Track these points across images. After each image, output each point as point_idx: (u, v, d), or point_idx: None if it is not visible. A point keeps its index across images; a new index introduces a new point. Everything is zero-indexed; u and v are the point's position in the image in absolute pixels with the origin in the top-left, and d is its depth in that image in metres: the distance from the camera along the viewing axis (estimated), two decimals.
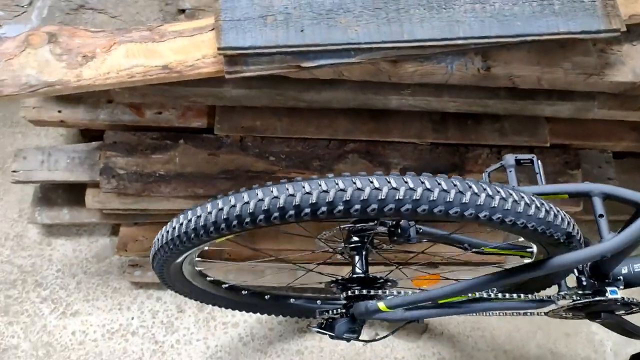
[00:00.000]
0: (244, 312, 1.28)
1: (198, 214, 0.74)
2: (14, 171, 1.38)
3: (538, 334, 1.41)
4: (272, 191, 0.69)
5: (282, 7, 1.07)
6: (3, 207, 1.52)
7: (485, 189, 0.69)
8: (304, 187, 0.68)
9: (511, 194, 0.71)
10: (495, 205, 0.69)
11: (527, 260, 1.05)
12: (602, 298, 0.97)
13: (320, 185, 0.67)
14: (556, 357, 1.39)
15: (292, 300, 1.32)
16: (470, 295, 0.96)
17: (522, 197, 0.71)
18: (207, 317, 1.40)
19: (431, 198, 0.66)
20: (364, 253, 1.02)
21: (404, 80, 1.18)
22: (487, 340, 1.40)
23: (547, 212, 0.73)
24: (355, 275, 0.99)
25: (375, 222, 0.97)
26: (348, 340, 1.05)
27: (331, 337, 1.04)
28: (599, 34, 1.10)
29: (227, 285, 1.18)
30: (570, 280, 1.00)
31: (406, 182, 0.67)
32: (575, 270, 1.01)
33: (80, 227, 1.50)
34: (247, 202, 0.69)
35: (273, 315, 1.40)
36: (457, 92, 1.26)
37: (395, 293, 0.97)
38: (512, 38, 1.09)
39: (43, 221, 1.44)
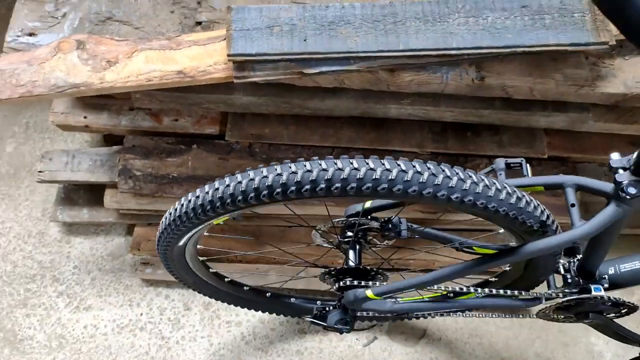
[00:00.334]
0: (244, 308, 1.33)
1: (206, 190, 0.81)
2: (39, 171, 1.49)
3: (536, 343, 1.42)
4: (275, 169, 0.75)
5: (287, 19, 1.16)
6: (28, 206, 1.62)
7: (457, 173, 0.75)
8: (305, 165, 0.74)
9: (483, 179, 0.76)
10: (467, 188, 0.74)
11: (506, 267, 1.09)
12: (587, 295, 0.99)
13: (320, 164, 0.74)
14: None
15: (292, 300, 1.37)
16: (459, 289, 0.99)
17: (494, 183, 0.77)
18: (212, 316, 1.46)
19: (405, 179, 0.72)
20: (357, 247, 1.07)
21: (402, 89, 1.25)
22: (484, 347, 1.41)
23: (518, 199, 0.78)
24: (346, 267, 1.04)
25: (369, 217, 1.03)
26: (340, 331, 1.09)
27: (324, 327, 1.08)
28: (588, 46, 1.16)
29: (229, 279, 1.24)
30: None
31: (382, 164, 0.73)
32: (562, 269, 1.04)
33: (98, 227, 1.59)
34: (252, 179, 0.76)
35: (274, 316, 1.45)
36: (454, 102, 1.32)
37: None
38: (503, 49, 1.15)
39: (64, 220, 1.53)
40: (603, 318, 1.10)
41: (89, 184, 1.49)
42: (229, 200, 0.78)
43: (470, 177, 0.75)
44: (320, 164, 0.75)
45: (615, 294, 1.04)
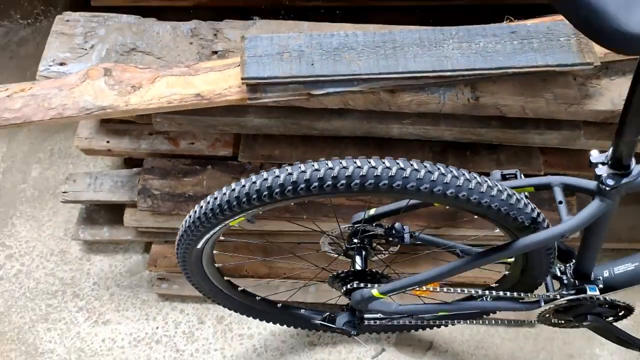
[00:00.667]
0: (255, 319, 1.38)
1: (223, 192, 0.89)
2: (64, 192, 1.58)
3: (541, 354, 1.45)
4: (287, 169, 0.84)
5: (296, 46, 1.27)
6: (51, 226, 1.71)
7: (452, 171, 0.83)
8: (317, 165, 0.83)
9: (475, 177, 0.84)
10: (461, 185, 0.82)
11: (505, 272, 1.15)
12: (582, 295, 1.04)
13: (327, 164, 0.83)
14: None
15: (302, 311, 1.43)
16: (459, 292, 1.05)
17: (486, 181, 0.84)
18: (225, 329, 1.51)
19: (404, 175, 0.80)
20: (363, 253, 1.14)
21: (403, 110, 1.34)
22: (490, 359, 1.45)
23: (509, 196, 0.86)
24: (353, 270, 1.11)
25: (374, 224, 1.10)
26: (349, 334, 1.14)
27: (332, 330, 1.14)
28: (574, 67, 1.25)
29: (241, 288, 1.31)
30: None
31: (383, 163, 0.81)
32: (558, 272, 1.10)
33: (117, 245, 1.66)
34: (266, 179, 0.85)
35: (285, 328, 1.50)
36: (452, 122, 1.41)
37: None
38: (494, 70, 1.24)
39: (85, 238, 1.62)
40: (602, 321, 1.15)
41: (110, 203, 1.58)
42: (244, 200, 0.86)
43: (464, 174, 0.83)
44: (327, 164, 0.83)
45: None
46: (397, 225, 1.11)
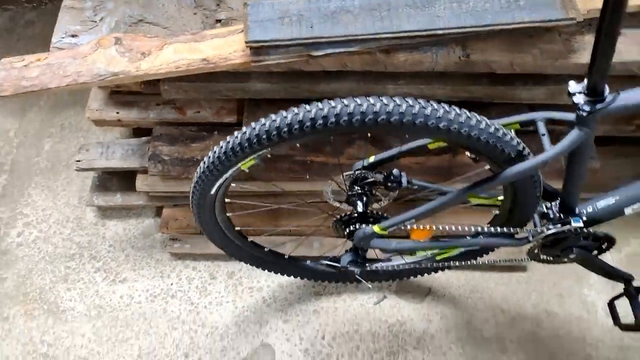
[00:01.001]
0: (263, 269, 1.48)
1: (235, 135, 0.98)
2: (77, 160, 1.66)
3: (533, 295, 1.55)
4: (293, 110, 0.93)
5: (296, 11, 1.35)
6: (66, 195, 1.79)
7: (444, 107, 0.91)
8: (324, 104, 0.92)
9: (465, 112, 0.93)
10: (452, 118, 0.91)
11: (496, 212, 1.24)
12: (567, 227, 1.13)
13: (330, 103, 0.92)
14: (551, 316, 1.52)
15: (308, 262, 1.52)
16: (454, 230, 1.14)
17: (475, 115, 0.93)
18: (236, 283, 1.61)
19: (401, 110, 0.89)
20: (364, 199, 1.22)
21: (398, 69, 1.42)
22: (485, 301, 1.55)
23: (496, 129, 0.94)
24: (355, 213, 1.19)
25: (374, 171, 1.18)
26: (353, 273, 1.23)
27: (338, 269, 1.23)
28: (559, 22, 1.33)
29: (251, 239, 1.40)
30: None
31: (381, 100, 0.90)
32: (545, 209, 1.19)
33: (129, 210, 1.75)
34: (274, 120, 0.93)
35: (292, 280, 1.60)
36: (444, 81, 1.49)
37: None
38: (483, 28, 1.32)
39: (99, 204, 1.70)
40: (587, 254, 1.24)
41: (122, 170, 1.66)
42: (255, 140, 0.95)
43: (454, 109, 0.92)
44: (330, 103, 0.92)
45: None
46: (394, 171, 1.19)
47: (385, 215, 1.20)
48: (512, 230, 1.18)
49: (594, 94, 0.90)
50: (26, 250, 1.69)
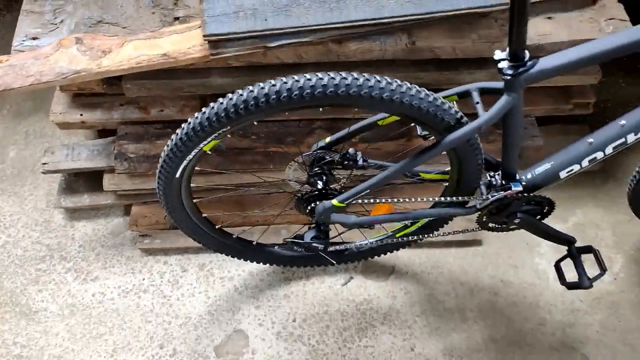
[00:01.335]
0: (232, 257, 1.53)
1: (195, 116, 1.03)
2: (43, 163, 1.68)
3: (489, 267, 1.65)
4: (249, 88, 0.99)
5: (250, 5, 1.42)
6: (33, 199, 1.81)
7: (387, 80, 1.00)
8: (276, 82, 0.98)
9: (405, 84, 1.01)
10: (394, 89, 0.99)
11: (445, 184, 1.33)
12: (508, 192, 1.23)
13: (282, 79, 0.99)
14: (506, 284, 1.62)
15: (276, 248, 1.58)
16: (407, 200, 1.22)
17: (415, 87, 1.02)
18: (207, 274, 1.65)
19: (347, 82, 0.97)
20: (324, 178, 1.29)
21: (350, 59, 1.50)
22: (445, 275, 1.63)
23: (435, 99, 1.03)
24: (316, 189, 1.26)
25: (333, 149, 1.26)
26: (316, 249, 1.30)
27: (301, 245, 1.29)
28: (493, 7, 1.44)
29: (219, 226, 1.45)
30: None
31: (329, 75, 0.98)
32: (489, 177, 1.28)
33: (98, 210, 1.78)
34: (231, 98, 1.00)
35: (262, 268, 1.65)
36: (394, 68, 1.58)
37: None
38: (424, 15, 1.42)
39: (67, 205, 1.72)
40: (530, 218, 1.34)
41: (89, 170, 1.69)
42: (214, 119, 1.01)
43: (396, 81, 1.00)
44: (282, 79, 0.99)
45: None
46: (350, 150, 1.27)
47: (342, 191, 1.27)
48: (461, 199, 1.27)
49: (516, 60, 1.00)
50: None
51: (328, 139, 1.26)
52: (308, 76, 0.98)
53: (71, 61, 1.41)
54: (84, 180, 1.76)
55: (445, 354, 1.51)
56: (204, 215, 1.40)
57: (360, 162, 1.26)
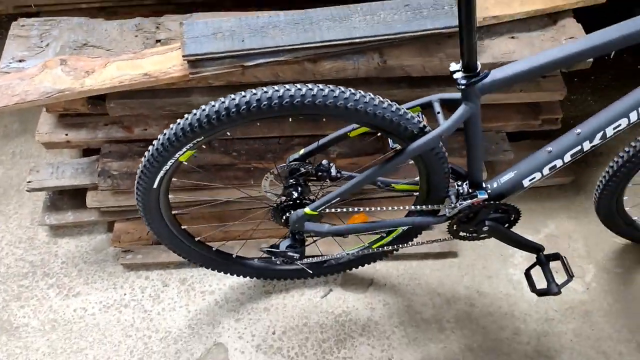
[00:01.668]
0: (212, 270, 1.56)
1: (171, 127, 1.09)
2: (29, 181, 1.72)
3: (465, 278, 1.69)
4: (221, 99, 1.05)
5: (228, 27, 1.49)
6: (18, 218, 1.83)
7: (351, 91, 1.06)
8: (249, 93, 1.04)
9: (369, 94, 1.07)
10: (357, 99, 1.05)
11: (416, 194, 1.39)
12: (475, 200, 1.28)
13: (252, 91, 1.05)
14: (482, 295, 1.65)
15: (255, 261, 1.61)
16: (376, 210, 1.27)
17: (377, 97, 1.08)
18: (188, 289, 1.67)
19: (313, 93, 1.03)
20: (299, 189, 1.34)
21: (325, 77, 1.57)
22: (422, 287, 1.67)
23: (397, 109, 1.09)
24: (290, 199, 1.31)
25: (307, 161, 1.31)
26: (292, 259, 1.33)
27: (276, 254, 1.33)
28: (457, 28, 1.53)
29: (198, 238, 1.48)
30: None
31: (296, 87, 1.04)
32: (456, 186, 1.33)
33: (81, 227, 1.81)
34: (204, 109, 1.05)
35: (242, 280, 1.68)
36: (368, 86, 1.64)
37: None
38: (395, 35, 1.50)
39: (51, 222, 1.75)
40: (498, 226, 1.39)
41: (73, 188, 1.73)
42: (188, 129, 1.06)
43: (360, 92, 1.06)
44: (252, 91, 1.05)
45: None
46: (324, 162, 1.33)
47: (316, 198, 1.32)
48: (431, 207, 1.32)
49: (469, 70, 1.07)
50: None
51: (302, 151, 1.32)
52: (276, 87, 1.04)
53: (55, 81, 1.46)
54: (68, 198, 1.80)
55: None
56: (183, 227, 1.44)
57: (334, 173, 1.31)
